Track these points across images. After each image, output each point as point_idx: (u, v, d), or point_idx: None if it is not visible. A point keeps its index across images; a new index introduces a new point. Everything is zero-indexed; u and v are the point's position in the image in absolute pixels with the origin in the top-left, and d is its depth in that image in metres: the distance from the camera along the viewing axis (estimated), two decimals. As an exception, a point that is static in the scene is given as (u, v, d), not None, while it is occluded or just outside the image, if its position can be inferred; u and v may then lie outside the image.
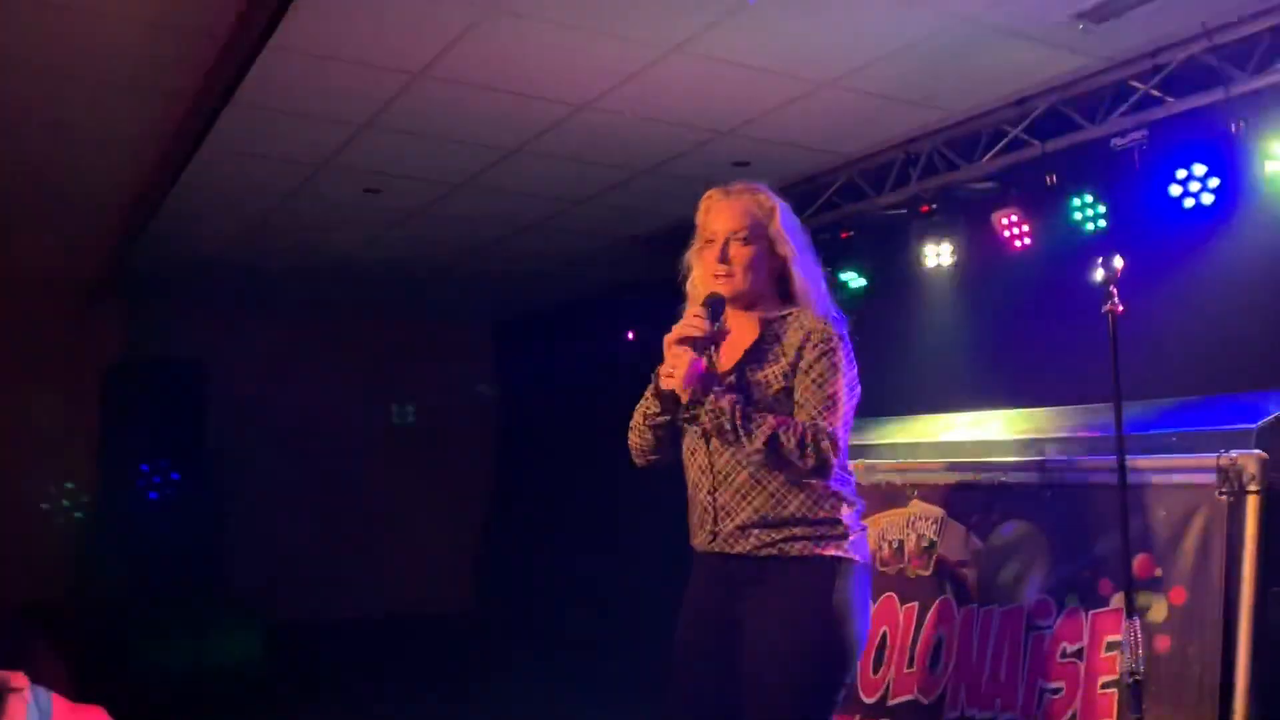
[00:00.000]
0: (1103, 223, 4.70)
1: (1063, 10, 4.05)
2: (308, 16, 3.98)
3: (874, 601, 3.58)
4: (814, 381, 2.40)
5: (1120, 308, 2.59)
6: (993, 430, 3.73)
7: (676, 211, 6.59)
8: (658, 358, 2.47)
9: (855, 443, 4.03)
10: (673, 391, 2.40)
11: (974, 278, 5.33)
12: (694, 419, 2.40)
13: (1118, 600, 2.94)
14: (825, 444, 2.35)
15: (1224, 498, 2.78)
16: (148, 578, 6.53)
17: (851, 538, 2.47)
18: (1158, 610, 2.85)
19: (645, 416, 2.52)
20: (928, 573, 3.51)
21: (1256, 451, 2.79)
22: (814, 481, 2.41)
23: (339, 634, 8.15)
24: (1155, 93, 4.43)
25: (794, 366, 2.42)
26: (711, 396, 2.36)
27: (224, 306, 8.82)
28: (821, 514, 2.42)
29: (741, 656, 2.42)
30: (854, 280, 5.83)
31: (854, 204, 5.82)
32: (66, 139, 5.35)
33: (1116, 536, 2.88)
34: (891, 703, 3.45)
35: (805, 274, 2.54)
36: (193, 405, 7.33)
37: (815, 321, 2.45)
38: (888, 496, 3.69)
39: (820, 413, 2.38)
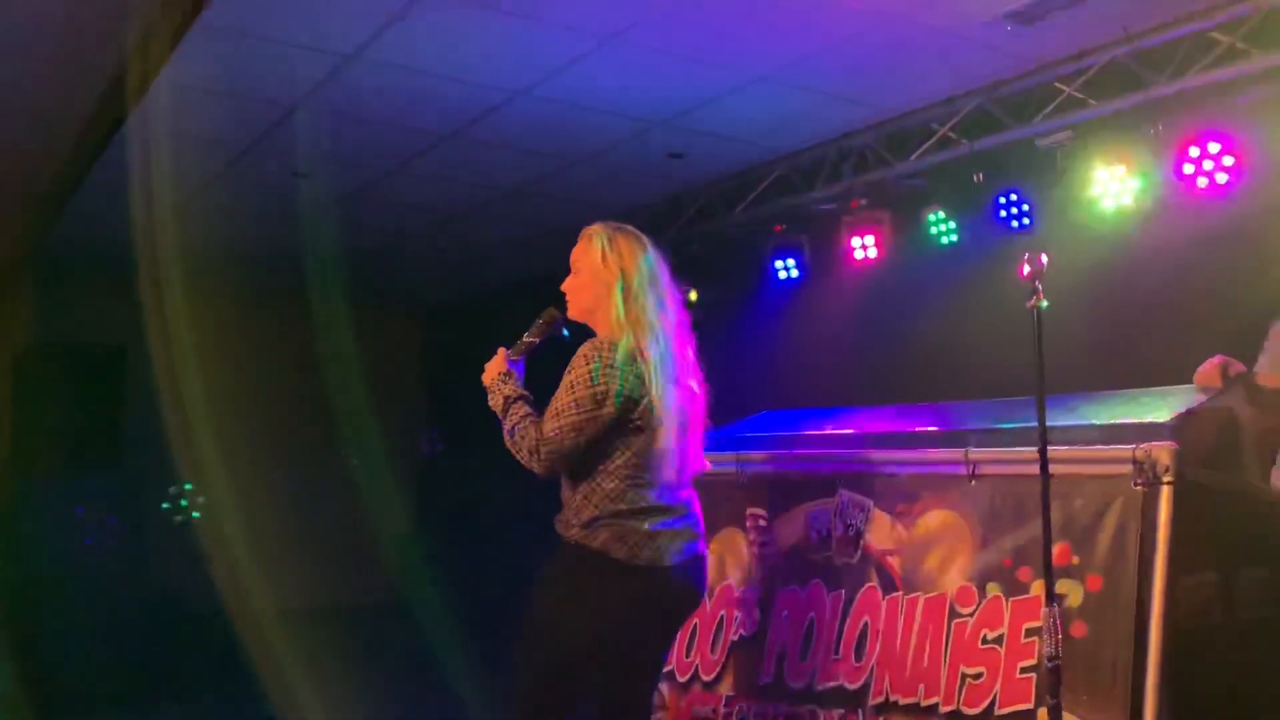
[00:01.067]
0: (1027, 220, 4.81)
1: (991, 11, 4.14)
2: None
3: (802, 589, 3.66)
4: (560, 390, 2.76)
5: (1045, 303, 2.66)
6: (918, 422, 3.80)
7: (612, 199, 6.63)
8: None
9: (786, 433, 4.11)
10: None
11: (903, 272, 5.43)
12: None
13: (1036, 587, 3.02)
14: (525, 442, 2.73)
15: (1139, 488, 2.87)
16: (66, 572, 6.33)
17: (602, 535, 2.70)
18: (1074, 596, 2.94)
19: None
20: (854, 561, 3.57)
21: (1170, 444, 2.88)
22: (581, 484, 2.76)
23: (257, 624, 8.00)
24: (1079, 94, 4.55)
25: None
26: (499, 386, 2.87)
27: (144, 291, 8.57)
28: (587, 510, 2.74)
29: None
30: (786, 272, 5.89)
31: (788, 198, 5.88)
32: (-20, 113, 5.16)
33: (1035, 525, 2.95)
34: (819, 688, 3.50)
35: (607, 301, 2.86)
36: (111, 391, 7.11)
37: (584, 345, 2.79)
38: (815, 485, 3.74)
39: (547, 417, 2.74)
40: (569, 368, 2.74)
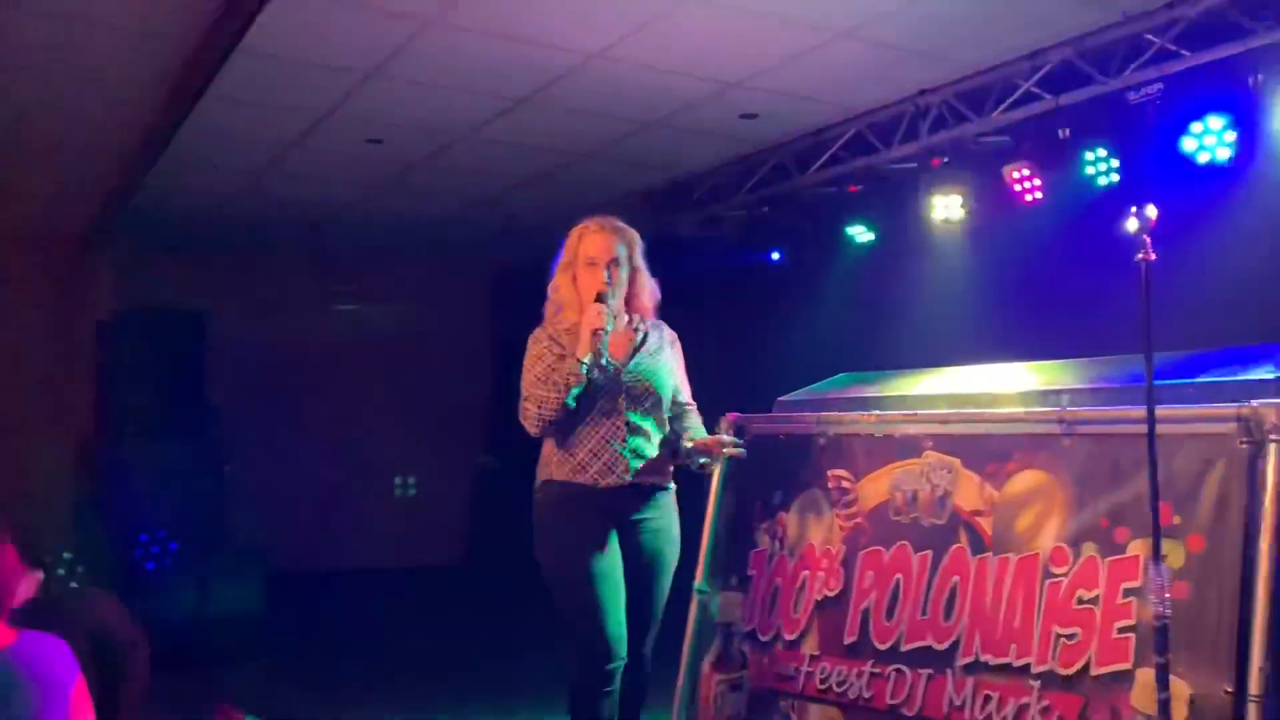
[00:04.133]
0: (1115, 177, 4.70)
1: (1081, -40, 4.03)
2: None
3: (887, 550, 3.64)
4: (684, 373, 3.60)
5: (1153, 256, 2.59)
6: (1005, 381, 3.75)
7: (684, 165, 6.60)
8: None
9: (870, 394, 4.08)
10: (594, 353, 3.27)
11: (985, 231, 5.34)
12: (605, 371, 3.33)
13: (1134, 548, 2.97)
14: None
15: (1244, 446, 2.80)
16: (151, 531, 6.52)
17: None
18: (1175, 557, 2.88)
19: (566, 390, 3.27)
20: (942, 521, 3.54)
21: (1276, 401, 2.81)
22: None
23: (338, 584, 8.21)
24: (1171, 46, 4.41)
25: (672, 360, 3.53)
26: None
27: (223, 257, 8.74)
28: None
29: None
30: (861, 235, 5.82)
31: (863, 157, 5.80)
32: (66, 82, 5.25)
33: (1133, 485, 2.91)
34: (905, 648, 3.48)
35: (650, 293, 3.53)
36: (192, 357, 7.27)
37: (670, 331, 3.58)
38: (901, 447, 3.71)
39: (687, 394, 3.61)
40: (674, 351, 3.54)
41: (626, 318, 3.46)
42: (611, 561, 3.31)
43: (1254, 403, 2.82)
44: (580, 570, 3.28)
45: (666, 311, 3.61)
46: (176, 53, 4.86)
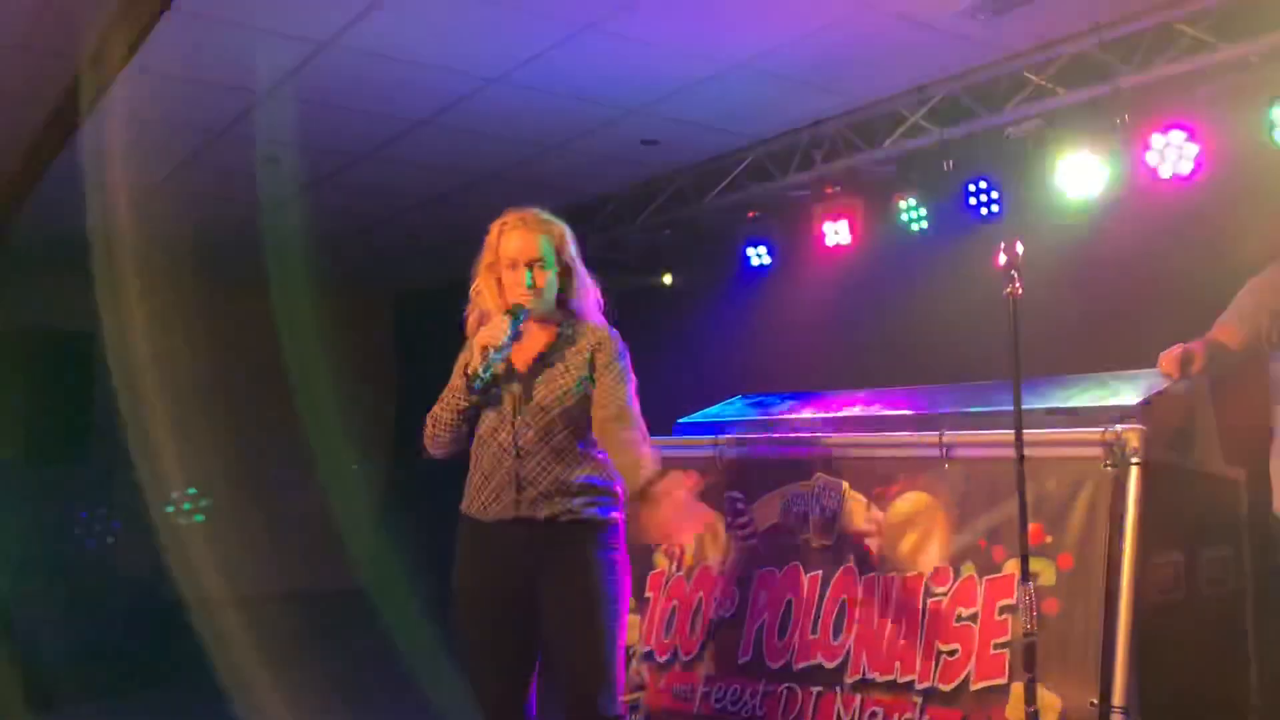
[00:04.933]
0: (996, 208, 4.90)
1: (961, 2, 4.21)
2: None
3: (779, 570, 3.73)
4: (615, 380, 2.92)
5: (1020, 291, 2.72)
6: (892, 405, 3.88)
7: (587, 189, 6.65)
8: None
9: (762, 418, 4.18)
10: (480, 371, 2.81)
11: (874, 258, 5.50)
12: (487, 388, 2.85)
13: (1010, 566, 3.11)
14: (646, 447, 2.80)
15: (1109, 469, 2.97)
16: (34, 560, 6.30)
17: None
18: (1047, 575, 3.02)
19: (456, 411, 2.91)
20: (831, 542, 3.64)
21: (1139, 426, 2.97)
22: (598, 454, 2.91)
23: (227, 612, 7.99)
24: (1048, 84, 4.64)
25: (591, 368, 2.93)
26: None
27: (112, 277, 8.48)
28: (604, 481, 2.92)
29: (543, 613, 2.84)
30: (759, 258, 5.94)
31: (760, 184, 5.94)
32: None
33: (1008, 506, 3.04)
34: (797, 667, 3.57)
35: (586, 292, 3.05)
36: (79, 379, 7.05)
37: (603, 332, 2.99)
38: (792, 469, 3.81)
39: (624, 411, 2.87)
40: (612, 355, 2.94)
41: (556, 323, 2.99)
42: (493, 614, 2.86)
43: (1118, 427, 2.99)
44: (461, 624, 2.91)
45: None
46: (62, 70, 4.73)
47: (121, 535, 7.06)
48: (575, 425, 2.88)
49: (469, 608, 2.89)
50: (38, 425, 6.78)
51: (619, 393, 2.88)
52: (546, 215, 3.07)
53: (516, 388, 2.90)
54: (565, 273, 3.00)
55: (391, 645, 6.90)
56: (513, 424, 2.87)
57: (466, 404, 2.88)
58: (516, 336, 2.88)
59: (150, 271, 8.57)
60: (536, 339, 2.98)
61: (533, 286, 2.91)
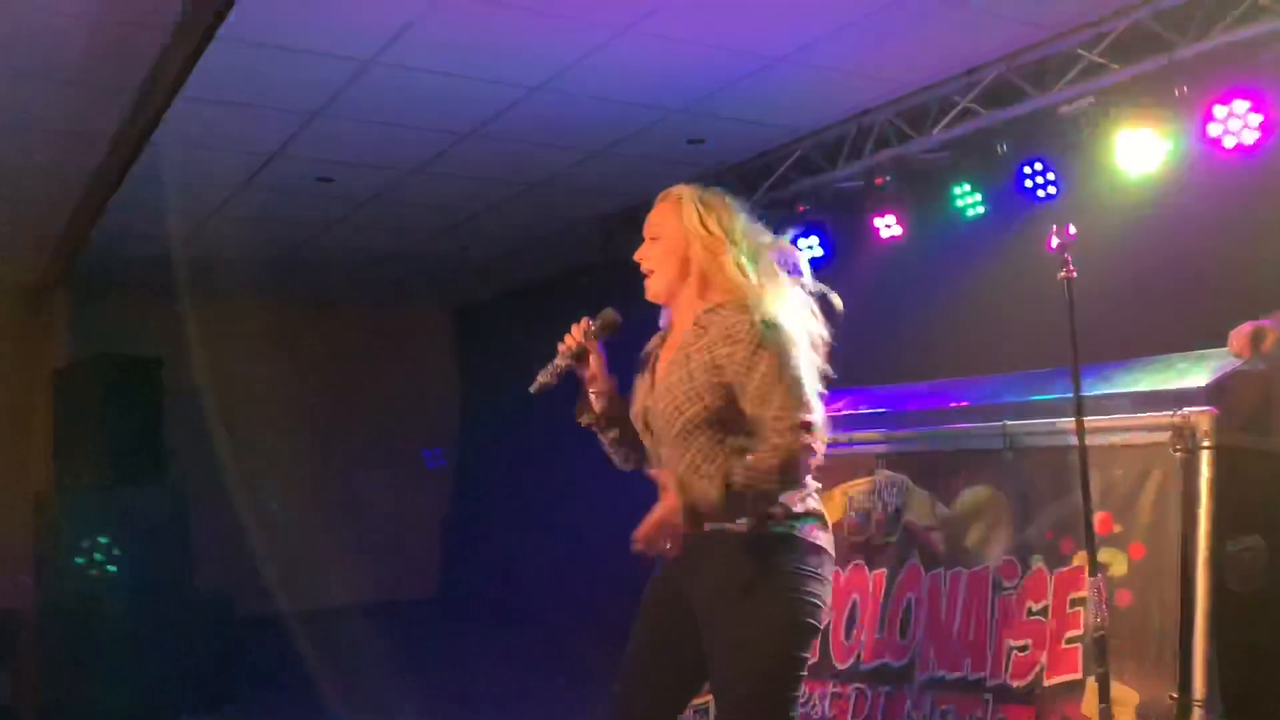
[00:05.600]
0: (1053, 189, 4.78)
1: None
2: (255, 6, 3.94)
3: (843, 570, 3.66)
4: (749, 378, 2.40)
5: (1074, 274, 2.65)
6: (951, 398, 3.80)
7: (634, 190, 6.63)
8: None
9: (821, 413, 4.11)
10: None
11: (929, 247, 5.41)
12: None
13: (1079, 558, 3.02)
14: (790, 449, 2.34)
15: (1179, 454, 2.86)
16: (113, 582, 6.44)
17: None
18: (1118, 566, 2.93)
19: (602, 437, 2.72)
20: (895, 539, 3.58)
21: (1208, 409, 2.87)
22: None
23: (308, 625, 8.12)
24: (1100, 60, 4.51)
25: (716, 369, 2.42)
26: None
27: (177, 301, 8.68)
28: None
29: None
30: (810, 251, 5.87)
31: (810, 178, 5.87)
32: (11, 134, 5.24)
33: (1074, 497, 2.95)
34: (864, 667, 3.52)
35: (719, 266, 2.53)
36: (149, 402, 7.20)
37: (739, 324, 2.42)
38: (854, 466, 3.75)
39: (790, 404, 2.37)
40: (725, 351, 2.39)
41: (696, 315, 2.52)
42: (648, 628, 2.61)
43: (1186, 411, 2.88)
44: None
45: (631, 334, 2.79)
46: (118, 101, 4.85)
47: (201, 554, 7.20)
48: (697, 431, 2.44)
49: (636, 621, 2.65)
50: (114, 450, 6.91)
51: (760, 395, 2.35)
52: (690, 187, 2.62)
53: (649, 397, 2.55)
54: (694, 249, 2.53)
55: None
56: (648, 435, 2.59)
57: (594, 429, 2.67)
58: (579, 353, 2.61)
59: (214, 294, 8.78)
60: (677, 334, 2.58)
61: (649, 272, 2.59)
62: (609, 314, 2.66)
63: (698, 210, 2.55)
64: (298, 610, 8.17)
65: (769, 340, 2.37)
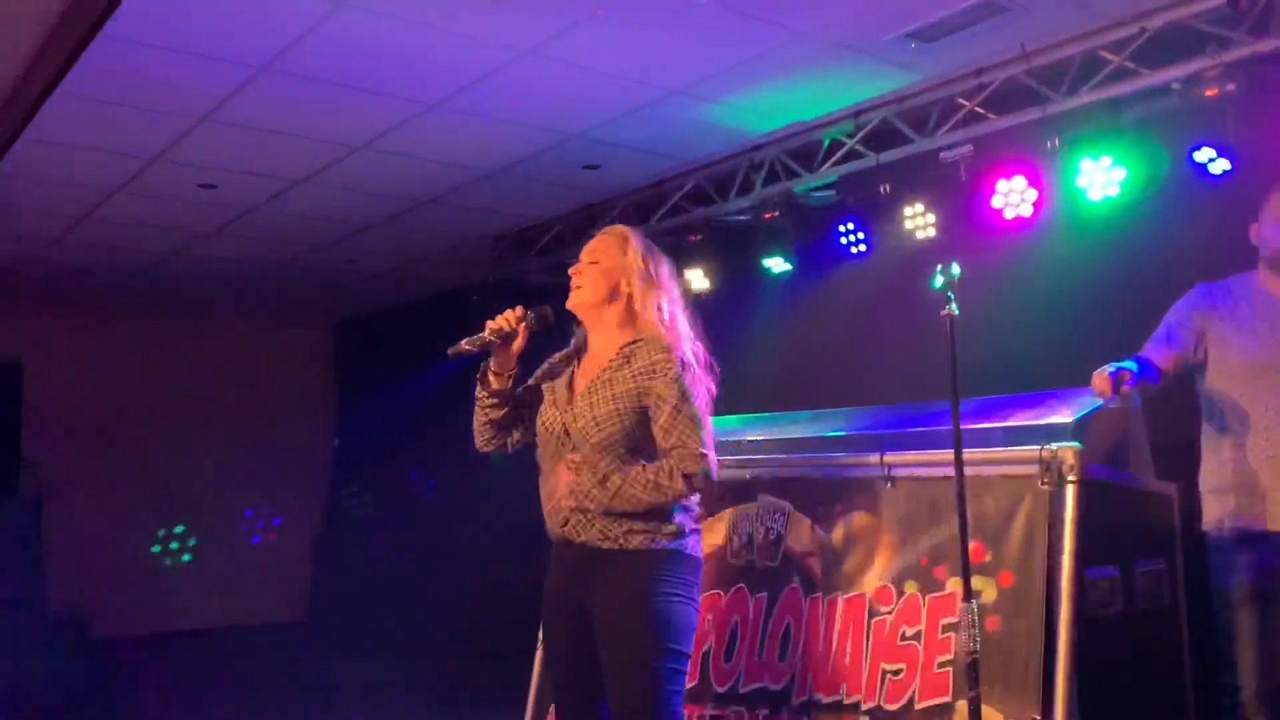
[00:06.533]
0: (933, 231, 4.98)
1: (895, 29, 4.29)
2: (144, 3, 3.82)
3: (725, 593, 3.72)
4: (662, 409, 2.78)
5: (956, 313, 2.76)
6: (834, 427, 3.90)
7: (528, 211, 6.65)
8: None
9: (706, 441, 4.17)
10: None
11: (815, 281, 5.55)
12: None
13: (953, 584, 3.13)
14: (684, 478, 2.78)
15: (1046, 487, 3.01)
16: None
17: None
18: (988, 593, 3.05)
19: (479, 408, 2.93)
20: (775, 564, 3.64)
21: (1074, 444, 3.02)
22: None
23: (168, 646, 7.81)
24: (979, 109, 4.73)
25: (641, 395, 2.79)
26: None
27: (43, 306, 8.28)
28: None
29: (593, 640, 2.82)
30: (698, 282, 5.97)
31: (702, 208, 5.98)
32: None
33: (949, 525, 3.06)
34: (743, 690, 3.56)
35: (666, 309, 2.91)
36: (6, 411, 6.84)
37: (663, 358, 2.78)
38: (736, 491, 3.81)
39: (689, 439, 2.79)
40: (665, 379, 2.73)
41: (621, 346, 2.85)
42: (559, 632, 2.92)
43: (1053, 445, 3.03)
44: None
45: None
46: (-11, 93, 4.64)
47: (56, 572, 6.85)
48: (611, 450, 2.77)
49: (544, 627, 3.01)
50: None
51: (670, 426, 2.74)
52: (633, 231, 2.96)
53: (568, 410, 2.83)
54: (629, 282, 2.86)
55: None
56: (563, 445, 2.84)
57: (484, 399, 2.89)
58: (508, 335, 2.85)
59: (81, 300, 8.41)
60: (597, 356, 2.90)
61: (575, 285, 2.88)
62: (546, 310, 2.90)
63: (642, 252, 2.90)
64: (158, 632, 7.84)
65: (681, 381, 2.76)
